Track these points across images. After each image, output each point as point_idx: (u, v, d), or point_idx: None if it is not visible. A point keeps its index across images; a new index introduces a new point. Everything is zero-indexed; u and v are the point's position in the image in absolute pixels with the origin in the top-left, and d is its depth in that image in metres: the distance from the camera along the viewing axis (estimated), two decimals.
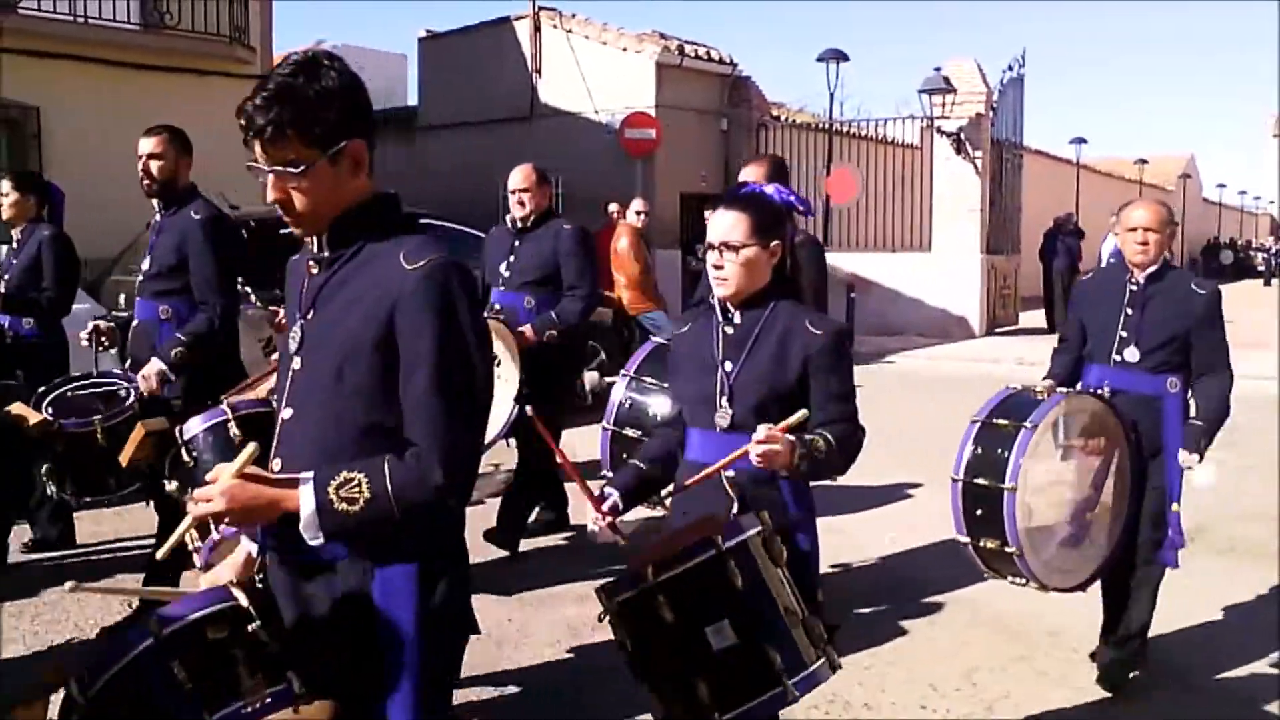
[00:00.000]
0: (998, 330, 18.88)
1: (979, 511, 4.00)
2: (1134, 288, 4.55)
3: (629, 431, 4.96)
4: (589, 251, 6.29)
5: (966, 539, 4.07)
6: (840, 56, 18.82)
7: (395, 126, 21.46)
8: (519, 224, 6.30)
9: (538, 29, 19.37)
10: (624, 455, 4.79)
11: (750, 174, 4.94)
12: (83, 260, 6.48)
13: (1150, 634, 4.72)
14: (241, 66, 14.17)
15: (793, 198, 3.20)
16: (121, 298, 8.66)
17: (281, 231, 9.44)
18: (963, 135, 18.09)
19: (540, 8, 19.40)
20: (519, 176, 6.25)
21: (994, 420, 4.07)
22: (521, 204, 6.24)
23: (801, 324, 2.99)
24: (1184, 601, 5.80)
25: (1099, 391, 4.46)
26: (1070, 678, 4.82)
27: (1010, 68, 19.27)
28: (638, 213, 12.07)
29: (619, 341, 11.75)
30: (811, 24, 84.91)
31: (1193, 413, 4.49)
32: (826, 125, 19.62)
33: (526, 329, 6.00)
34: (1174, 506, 4.48)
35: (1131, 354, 4.50)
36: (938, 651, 5.09)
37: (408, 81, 28.11)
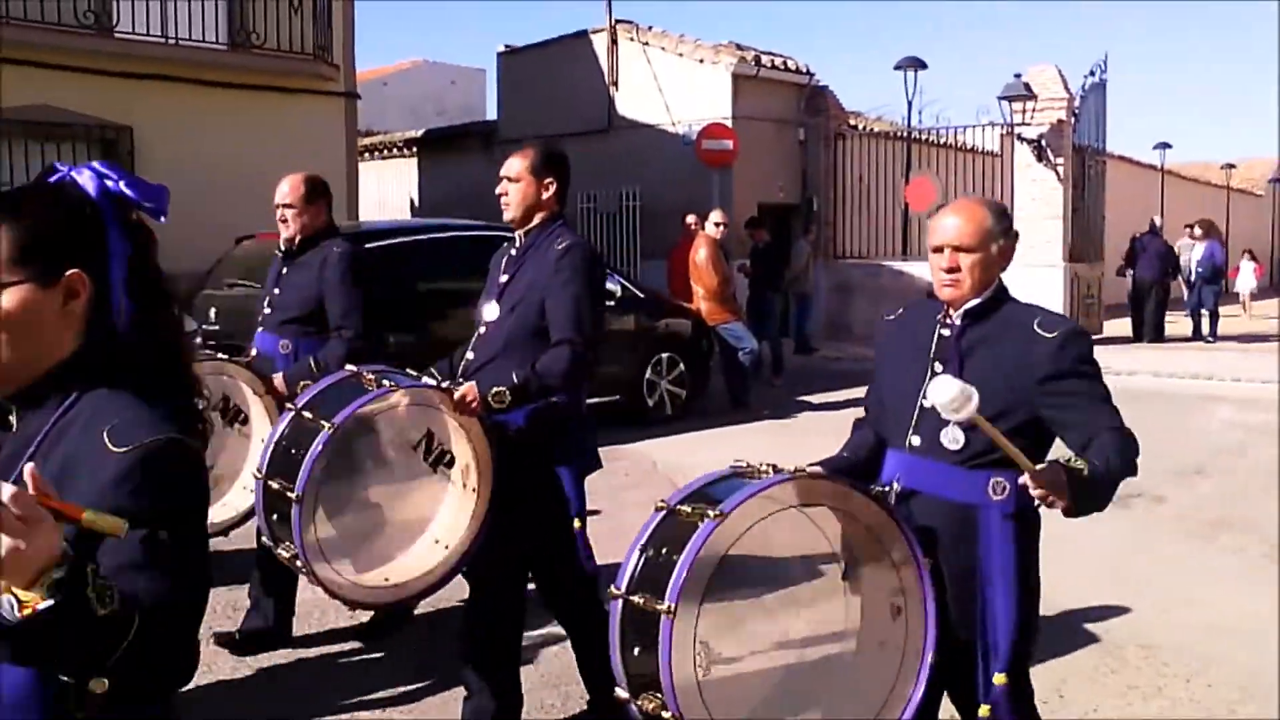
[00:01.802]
0: None
1: (636, 650, 2.64)
2: (945, 332, 2.96)
3: (276, 484, 3.71)
4: (358, 281, 4.99)
5: (626, 694, 2.66)
6: (918, 64, 18.69)
7: (475, 140, 21.72)
8: (285, 248, 5.15)
9: (614, 42, 19.48)
10: (274, 515, 3.75)
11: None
12: (175, 275, 6.64)
13: (1234, 644, 4.61)
14: (325, 84, 14.45)
15: (124, 185, 1.72)
16: (213, 312, 8.84)
17: (366, 246, 9.55)
18: (1044, 142, 17.86)
19: (617, 21, 19.52)
20: (283, 189, 5.06)
21: (681, 507, 2.69)
22: (285, 222, 5.05)
23: (98, 435, 1.56)
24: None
25: (884, 489, 2.95)
26: (1164, 691, 4.73)
27: (1092, 73, 19.01)
28: (717, 224, 12.08)
29: (699, 353, 11.77)
30: (889, 32, 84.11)
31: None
32: (905, 133, 19.49)
33: (277, 380, 4.78)
34: (997, 678, 2.86)
35: (937, 435, 2.89)
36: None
37: (487, 96, 28.51)
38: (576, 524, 3.83)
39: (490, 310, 4.02)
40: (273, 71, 13.81)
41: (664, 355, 11.41)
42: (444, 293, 9.72)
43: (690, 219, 13.58)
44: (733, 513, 2.58)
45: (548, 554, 4.04)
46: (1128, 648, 5.21)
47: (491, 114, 24.21)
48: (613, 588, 2.68)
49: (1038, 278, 18.07)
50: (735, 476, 2.81)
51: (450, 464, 3.92)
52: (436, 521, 3.94)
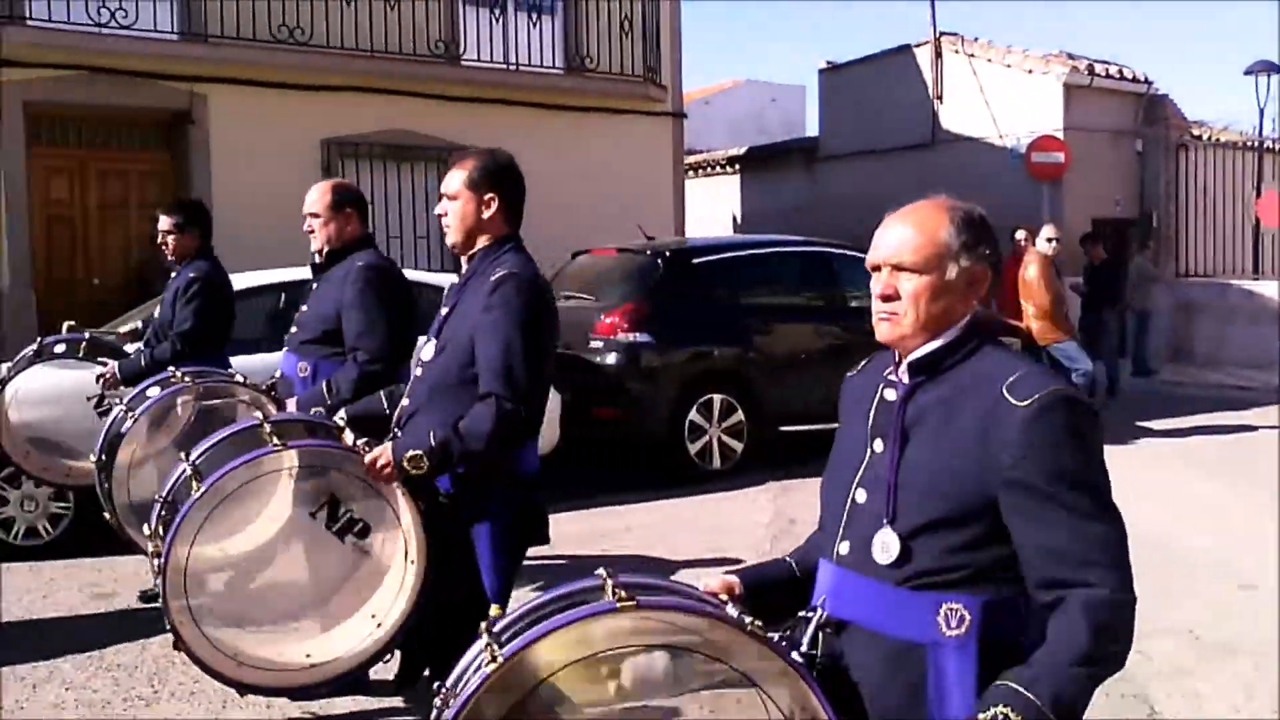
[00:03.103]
0: None
1: None
2: (890, 394, 2.16)
3: (153, 545, 3.48)
4: (381, 298, 4.43)
5: None
6: (1271, 68, 17.45)
7: (796, 157, 21.86)
8: (314, 260, 4.75)
9: (939, 55, 19.16)
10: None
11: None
12: None
13: None
14: (653, 104, 14.89)
15: None
16: None
17: (694, 261, 9.80)
18: None
19: (941, 34, 19.19)
20: (310, 196, 4.67)
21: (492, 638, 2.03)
22: (312, 233, 4.65)
23: None
24: None
25: (806, 617, 2.17)
26: None
27: None
28: (1049, 239, 11.66)
29: None
30: (1236, 35, 78.42)
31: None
32: (1255, 143, 18.19)
33: (291, 405, 4.41)
34: None
35: (874, 545, 2.07)
36: None
37: (806, 113, 28.61)
38: (494, 611, 2.24)
39: (427, 350, 3.47)
40: (605, 94, 14.35)
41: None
42: (770, 307, 9.91)
43: (1020, 234, 13.15)
44: (513, 659, 1.91)
45: (440, 645, 3.30)
46: None
47: (810, 130, 24.27)
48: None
49: None
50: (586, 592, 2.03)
51: (364, 534, 3.46)
52: (375, 598, 3.47)
